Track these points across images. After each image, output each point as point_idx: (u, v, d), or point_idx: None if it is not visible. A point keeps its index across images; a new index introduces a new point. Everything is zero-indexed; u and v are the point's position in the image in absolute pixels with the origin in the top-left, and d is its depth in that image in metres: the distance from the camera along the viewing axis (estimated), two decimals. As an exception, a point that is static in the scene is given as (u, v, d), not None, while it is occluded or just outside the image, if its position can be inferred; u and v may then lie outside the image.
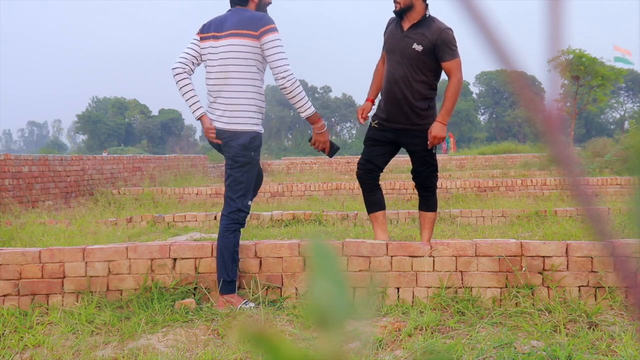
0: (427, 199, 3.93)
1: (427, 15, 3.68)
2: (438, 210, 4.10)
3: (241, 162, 3.15)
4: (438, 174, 3.95)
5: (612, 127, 62.80)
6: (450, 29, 3.70)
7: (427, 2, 3.70)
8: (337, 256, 0.30)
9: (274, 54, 3.09)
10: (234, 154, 3.14)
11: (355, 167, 4.20)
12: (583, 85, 24.61)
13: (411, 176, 4.05)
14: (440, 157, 18.55)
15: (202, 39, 3.22)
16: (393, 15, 3.74)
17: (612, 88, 27.05)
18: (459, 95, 3.78)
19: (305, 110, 3.21)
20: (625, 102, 68.17)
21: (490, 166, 17.12)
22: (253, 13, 3.15)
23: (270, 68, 3.14)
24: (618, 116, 67.84)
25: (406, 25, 3.72)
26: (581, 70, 23.71)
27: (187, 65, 3.22)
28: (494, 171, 13.68)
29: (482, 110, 70.71)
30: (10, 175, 8.35)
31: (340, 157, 17.78)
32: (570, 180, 0.26)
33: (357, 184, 9.72)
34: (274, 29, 3.10)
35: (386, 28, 3.85)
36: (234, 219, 3.13)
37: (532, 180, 9.39)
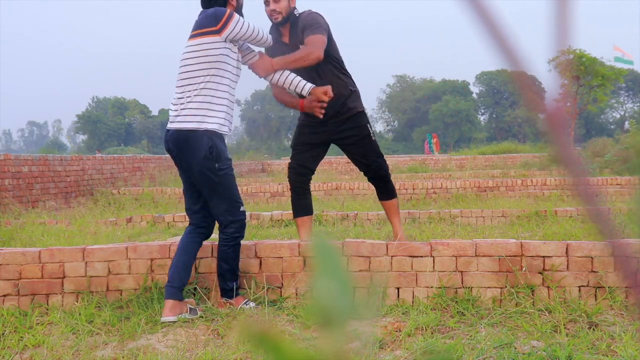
0: (385, 188, 3.91)
1: (296, 15, 3.64)
2: (438, 210, 4.12)
3: (210, 175, 2.93)
4: (385, 159, 3.92)
5: (612, 127, 62.79)
6: (311, 12, 3.63)
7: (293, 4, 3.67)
8: (340, 255, 0.30)
9: (244, 34, 3.04)
10: (198, 169, 2.92)
11: (355, 167, 4.27)
12: (583, 85, 24.60)
13: (366, 176, 3.98)
14: (442, 158, 18.57)
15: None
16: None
17: (612, 88, 27.05)
18: (303, 60, 3.47)
19: (299, 81, 3.48)
20: (625, 102, 68.16)
21: (490, 166, 17.12)
22: (213, 10, 3.05)
23: (256, 45, 3.21)
24: (618, 116, 67.84)
25: (285, 33, 3.72)
26: (581, 70, 23.70)
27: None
28: (494, 171, 13.68)
29: (482, 110, 70.69)
30: (10, 175, 8.35)
31: (340, 157, 17.78)
32: (573, 180, 0.26)
33: (357, 184, 9.75)
34: (231, 15, 2.99)
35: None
36: (229, 234, 3.00)
37: (532, 180, 9.39)
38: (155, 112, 74.88)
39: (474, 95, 68.61)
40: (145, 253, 3.20)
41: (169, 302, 2.86)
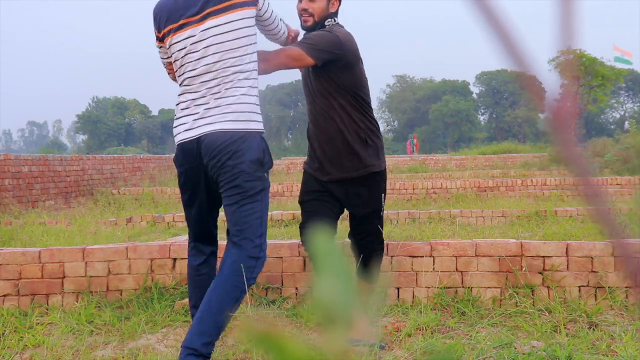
0: (374, 267, 2.76)
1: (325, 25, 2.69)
2: (438, 210, 3.92)
3: (253, 189, 2.22)
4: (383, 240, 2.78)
5: (612, 127, 62.80)
6: (332, 26, 2.67)
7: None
8: (342, 254, 0.30)
9: (269, 17, 2.43)
10: (243, 177, 2.19)
11: None
12: (583, 85, 24.60)
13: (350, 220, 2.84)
14: (441, 158, 18.58)
15: (160, 39, 2.40)
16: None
17: (612, 88, 27.04)
18: (260, 62, 2.44)
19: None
20: (625, 102, 68.17)
21: (490, 166, 17.12)
22: None
23: (273, 36, 2.54)
24: (618, 116, 67.85)
25: None
26: (581, 70, 23.69)
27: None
28: (494, 171, 13.68)
29: (482, 110, 70.69)
30: (10, 175, 8.35)
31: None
32: (577, 180, 0.26)
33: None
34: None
35: None
36: (242, 272, 2.16)
37: (532, 180, 9.39)
38: (155, 112, 74.89)
39: (474, 95, 68.63)
40: (145, 253, 3.20)
41: None
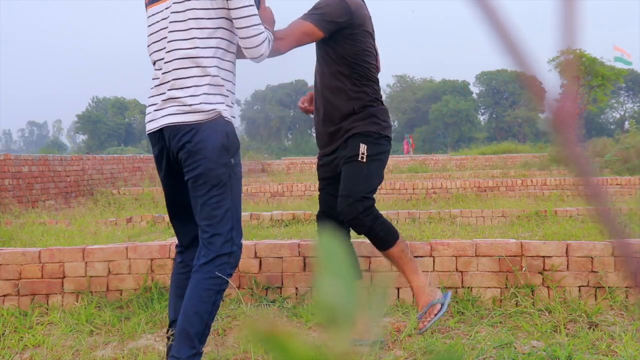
0: (369, 237, 2.53)
1: None
2: (438, 210, 3.88)
3: (219, 178, 2.04)
4: (371, 196, 2.51)
5: (612, 127, 62.80)
6: None
7: None
8: (346, 253, 0.30)
9: (244, 15, 2.08)
10: (205, 166, 2.03)
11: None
12: (583, 85, 24.60)
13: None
14: (441, 157, 18.57)
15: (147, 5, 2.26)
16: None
17: (612, 88, 27.05)
18: (288, 41, 2.38)
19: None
20: (625, 102, 68.19)
21: (490, 166, 17.12)
22: None
23: (240, 35, 2.11)
24: (618, 116, 67.85)
25: None
26: (581, 70, 23.69)
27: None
28: (494, 171, 13.68)
29: (482, 110, 70.71)
30: (10, 175, 8.35)
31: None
32: (579, 179, 0.26)
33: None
34: None
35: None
36: (223, 269, 2.05)
37: (532, 180, 9.39)
38: (155, 112, 74.75)
39: (474, 95, 68.64)
40: (145, 253, 3.20)
41: None
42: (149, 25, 2.22)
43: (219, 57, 2.12)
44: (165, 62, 2.12)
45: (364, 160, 2.50)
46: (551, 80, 0.33)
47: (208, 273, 2.03)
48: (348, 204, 2.45)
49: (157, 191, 9.62)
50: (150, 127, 2.17)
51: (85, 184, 10.25)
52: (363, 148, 2.50)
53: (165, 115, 2.10)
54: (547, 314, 2.90)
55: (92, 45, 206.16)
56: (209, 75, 2.08)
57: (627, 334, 2.56)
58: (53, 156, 9.73)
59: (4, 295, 3.10)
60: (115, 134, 69.81)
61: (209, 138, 2.04)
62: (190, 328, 2.00)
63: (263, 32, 2.13)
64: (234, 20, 2.10)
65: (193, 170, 2.05)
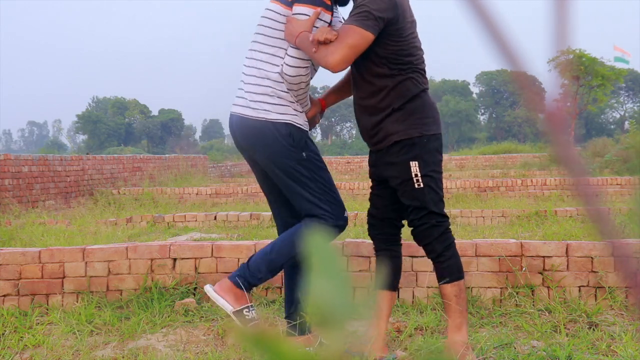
0: (435, 261, 2.33)
1: None
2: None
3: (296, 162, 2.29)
4: (438, 214, 2.31)
5: (612, 127, 62.82)
6: None
7: None
8: (337, 255, 0.30)
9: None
10: (272, 153, 2.29)
11: (355, 167, 4.01)
12: (583, 85, 24.60)
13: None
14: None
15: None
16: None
17: (612, 88, 27.05)
18: (315, 60, 2.28)
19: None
20: (625, 102, 68.20)
21: (490, 166, 17.12)
22: None
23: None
24: (618, 116, 67.86)
25: None
26: (581, 70, 23.70)
27: None
28: (494, 171, 13.68)
29: (482, 110, 70.72)
30: (10, 175, 8.35)
31: (340, 157, 17.80)
32: (573, 180, 0.26)
33: (357, 183, 9.75)
34: (310, 1, 2.24)
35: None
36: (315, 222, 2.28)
37: (532, 180, 9.39)
38: (155, 112, 74.91)
39: (474, 95, 68.64)
40: (145, 253, 3.20)
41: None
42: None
43: None
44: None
45: (421, 184, 2.28)
46: (550, 80, 0.33)
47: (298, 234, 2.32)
48: (426, 218, 2.29)
49: (157, 191, 9.63)
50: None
51: (85, 184, 10.25)
52: (415, 168, 2.28)
53: None
54: (547, 314, 2.90)
55: (92, 45, 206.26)
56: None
57: (627, 334, 2.56)
58: (53, 156, 9.73)
59: (4, 295, 3.10)
60: (115, 134, 69.81)
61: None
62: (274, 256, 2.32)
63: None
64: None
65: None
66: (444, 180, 10.37)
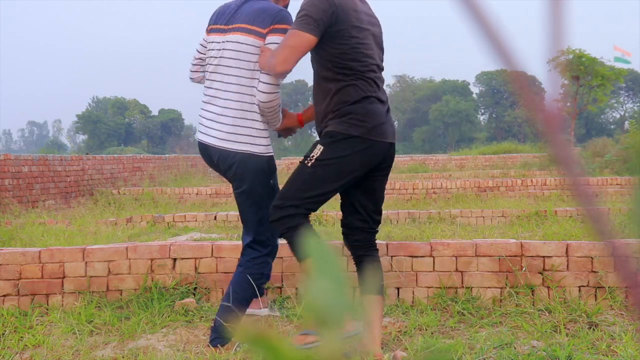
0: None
1: None
2: (438, 210, 3.75)
3: (259, 193, 2.49)
4: (298, 198, 2.31)
5: (612, 127, 62.82)
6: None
7: None
8: (336, 256, 0.30)
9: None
10: (251, 183, 2.47)
11: None
12: (583, 85, 24.59)
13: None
14: (441, 157, 18.55)
15: (208, 31, 2.60)
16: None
17: (612, 88, 27.02)
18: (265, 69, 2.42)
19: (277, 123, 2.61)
20: (625, 102, 68.17)
21: (490, 166, 17.12)
22: (269, 5, 2.48)
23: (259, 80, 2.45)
24: (618, 116, 67.85)
25: None
26: (581, 70, 23.69)
27: (199, 72, 2.67)
28: (494, 171, 13.68)
29: (482, 110, 70.71)
30: (10, 175, 8.35)
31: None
32: (570, 180, 0.26)
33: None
34: (285, 31, 2.37)
35: None
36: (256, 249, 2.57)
37: (532, 180, 9.39)
38: (155, 112, 74.92)
39: (474, 95, 68.63)
40: (145, 253, 3.20)
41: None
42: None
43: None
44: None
45: (309, 164, 2.29)
46: (550, 80, 0.33)
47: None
48: (272, 208, 2.31)
49: (157, 191, 9.63)
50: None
51: (85, 184, 10.25)
52: (318, 150, 2.29)
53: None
54: (547, 314, 2.90)
55: (92, 45, 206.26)
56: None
57: (627, 334, 2.56)
58: (53, 156, 9.73)
59: (4, 295, 3.10)
60: (115, 134, 69.79)
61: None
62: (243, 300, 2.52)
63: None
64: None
65: None
66: (444, 180, 10.27)
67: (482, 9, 0.26)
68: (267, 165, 2.49)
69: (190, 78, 2.73)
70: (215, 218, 6.60)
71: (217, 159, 2.50)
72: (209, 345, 2.50)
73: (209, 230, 6.26)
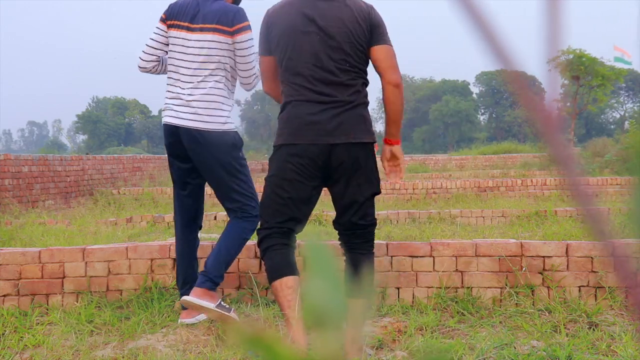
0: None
1: None
2: (438, 210, 3.76)
3: (236, 167, 2.83)
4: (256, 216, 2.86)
5: (612, 127, 62.82)
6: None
7: None
8: (333, 256, 0.30)
9: (247, 55, 2.79)
10: (224, 158, 2.78)
11: None
12: (583, 85, 24.58)
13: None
14: (441, 157, 18.54)
15: (169, 26, 2.82)
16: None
17: (612, 88, 27.02)
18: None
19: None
20: (625, 102, 68.17)
21: (490, 166, 17.12)
22: (226, 5, 2.80)
23: (239, 70, 2.83)
24: (618, 116, 67.86)
25: None
26: (581, 70, 23.69)
27: (158, 62, 2.90)
28: (494, 171, 13.68)
29: (482, 110, 70.71)
30: (10, 175, 8.35)
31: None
32: (569, 180, 0.26)
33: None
34: (248, 27, 2.77)
35: None
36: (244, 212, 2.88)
37: (532, 180, 9.39)
38: (155, 112, 74.89)
39: (474, 95, 68.63)
40: (145, 253, 3.20)
41: (200, 290, 2.70)
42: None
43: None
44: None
45: (265, 183, 2.52)
46: (550, 81, 0.33)
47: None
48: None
49: (157, 191, 9.63)
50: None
51: (85, 184, 10.25)
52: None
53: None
54: (547, 314, 2.90)
55: (92, 45, 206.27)
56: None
57: (627, 334, 2.56)
58: (53, 156, 9.73)
59: (4, 295, 3.10)
60: (115, 134, 69.80)
61: None
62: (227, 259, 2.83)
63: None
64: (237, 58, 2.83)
65: None
66: (444, 180, 10.31)
67: (480, 9, 0.26)
68: (238, 138, 2.86)
69: (141, 67, 2.89)
70: (215, 218, 6.60)
71: (189, 139, 2.78)
72: (198, 287, 2.70)
73: (209, 230, 6.25)
